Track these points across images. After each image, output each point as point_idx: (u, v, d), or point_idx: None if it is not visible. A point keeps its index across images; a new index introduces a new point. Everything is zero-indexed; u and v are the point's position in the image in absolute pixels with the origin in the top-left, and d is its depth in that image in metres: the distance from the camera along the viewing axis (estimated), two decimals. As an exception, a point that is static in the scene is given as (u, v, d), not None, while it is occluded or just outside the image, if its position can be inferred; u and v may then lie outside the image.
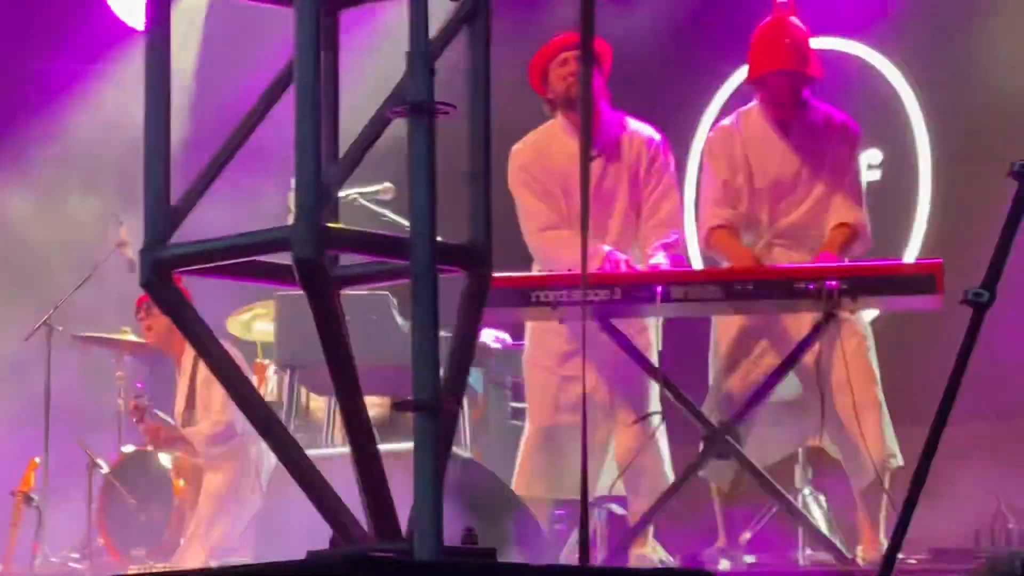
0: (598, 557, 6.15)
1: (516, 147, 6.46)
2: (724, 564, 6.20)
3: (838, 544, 5.95)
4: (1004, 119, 8.24)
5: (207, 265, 3.83)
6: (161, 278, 3.68)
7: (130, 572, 8.24)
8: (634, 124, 6.55)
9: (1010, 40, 8.22)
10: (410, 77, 3.34)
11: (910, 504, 4.27)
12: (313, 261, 3.31)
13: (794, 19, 6.34)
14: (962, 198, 8.40)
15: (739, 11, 8.05)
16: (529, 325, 6.51)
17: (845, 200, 6.27)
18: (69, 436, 8.95)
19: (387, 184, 7.27)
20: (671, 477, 6.19)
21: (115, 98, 10.69)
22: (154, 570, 8.38)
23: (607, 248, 6.16)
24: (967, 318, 3.86)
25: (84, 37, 11.22)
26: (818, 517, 6.54)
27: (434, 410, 3.37)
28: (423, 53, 3.36)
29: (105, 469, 8.61)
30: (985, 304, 3.87)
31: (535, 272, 6.30)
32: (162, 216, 3.71)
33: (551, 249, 6.29)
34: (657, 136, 6.53)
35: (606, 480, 6.24)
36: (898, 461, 5.98)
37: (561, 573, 4.15)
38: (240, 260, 3.65)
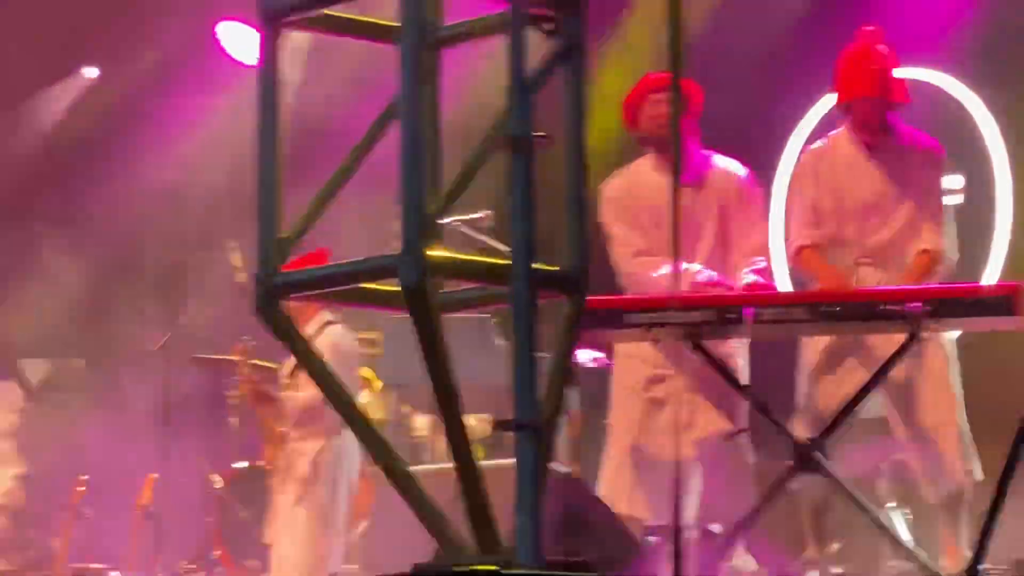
0: (691, 571, 6.20)
1: (607, 182, 6.61)
2: (812, 575, 6.29)
3: (922, 556, 5.97)
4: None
5: (316, 292, 4.06)
6: (272, 305, 3.81)
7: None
8: (721, 160, 6.72)
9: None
10: (510, 110, 3.42)
11: (992, 516, 4.30)
12: (418, 288, 3.38)
13: (880, 46, 6.38)
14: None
15: (826, 37, 8.10)
16: (616, 348, 6.67)
17: (929, 225, 6.35)
18: (186, 451, 9.16)
19: (487, 211, 7.39)
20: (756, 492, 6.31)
21: (227, 128, 10.86)
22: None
23: (697, 267, 6.27)
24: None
25: (198, 71, 11.43)
26: (903, 530, 6.60)
27: (534, 429, 3.44)
28: (523, 87, 3.43)
29: (219, 484, 8.78)
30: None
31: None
32: (273, 247, 3.82)
33: (644, 273, 6.39)
34: (744, 171, 6.72)
35: (693, 500, 6.32)
36: (977, 475, 6.00)
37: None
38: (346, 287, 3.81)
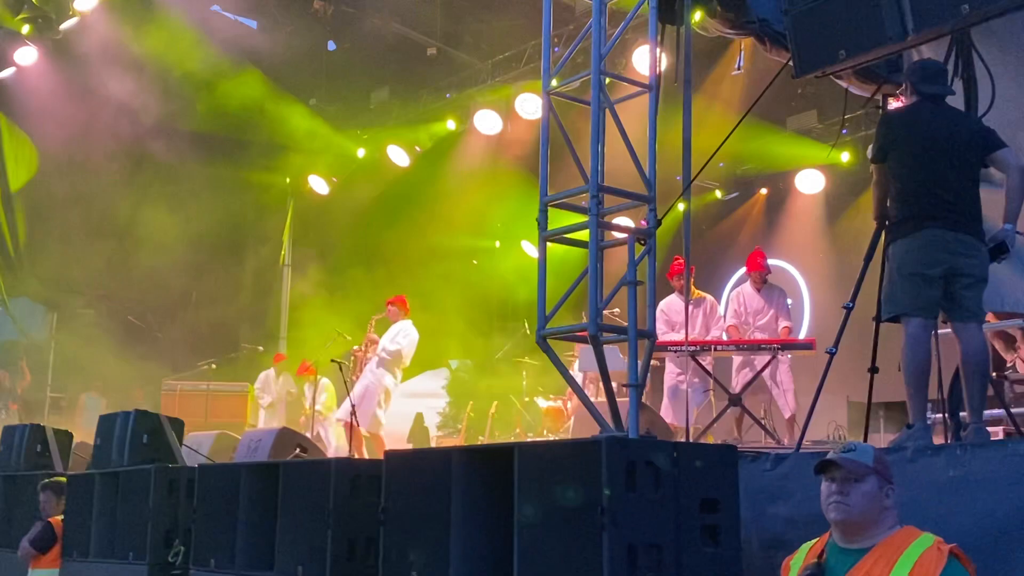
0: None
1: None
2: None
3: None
4: None
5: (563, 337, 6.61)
6: (544, 341, 6.29)
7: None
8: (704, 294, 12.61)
9: None
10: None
11: (810, 413, 6.55)
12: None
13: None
14: None
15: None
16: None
17: (783, 317, 12.30)
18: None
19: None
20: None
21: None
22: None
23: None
24: None
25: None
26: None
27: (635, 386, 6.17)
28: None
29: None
30: None
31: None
32: (544, 315, 6.20)
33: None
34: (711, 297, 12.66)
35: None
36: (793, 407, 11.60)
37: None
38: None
